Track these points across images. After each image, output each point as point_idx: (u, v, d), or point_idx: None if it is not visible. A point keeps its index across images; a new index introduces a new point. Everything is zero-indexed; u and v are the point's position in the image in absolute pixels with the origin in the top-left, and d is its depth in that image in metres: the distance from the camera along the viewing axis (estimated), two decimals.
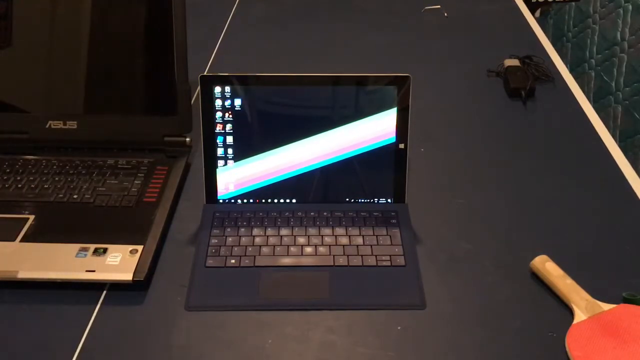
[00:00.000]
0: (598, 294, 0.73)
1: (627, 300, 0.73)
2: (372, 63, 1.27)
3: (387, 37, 1.37)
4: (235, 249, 0.81)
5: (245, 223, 0.84)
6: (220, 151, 0.86)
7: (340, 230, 0.83)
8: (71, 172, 0.92)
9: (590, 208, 0.89)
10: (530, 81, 1.14)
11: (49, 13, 0.94)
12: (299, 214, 0.85)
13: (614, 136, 1.62)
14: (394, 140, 0.85)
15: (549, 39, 1.39)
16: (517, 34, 1.38)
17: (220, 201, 0.87)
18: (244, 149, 0.86)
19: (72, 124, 0.96)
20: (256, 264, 0.79)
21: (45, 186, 0.89)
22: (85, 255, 0.78)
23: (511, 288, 0.77)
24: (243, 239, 0.82)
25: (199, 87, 0.84)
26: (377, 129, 0.85)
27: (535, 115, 1.11)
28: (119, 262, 0.77)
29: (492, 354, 0.69)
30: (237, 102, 0.84)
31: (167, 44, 0.93)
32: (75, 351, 0.69)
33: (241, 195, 0.87)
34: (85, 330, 0.72)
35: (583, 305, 0.72)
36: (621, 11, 1.66)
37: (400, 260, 0.79)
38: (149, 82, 0.96)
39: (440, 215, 0.88)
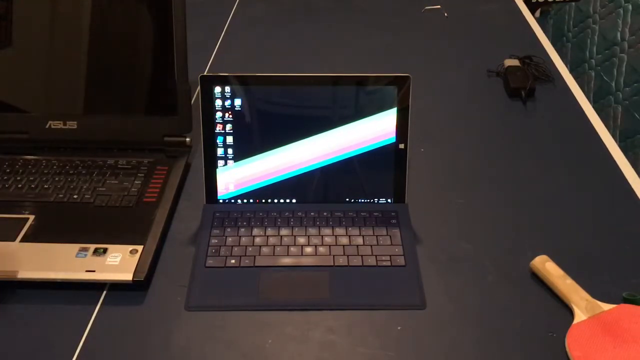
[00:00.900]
0: (598, 294, 0.73)
1: (627, 300, 0.73)
2: (372, 63, 1.27)
3: (387, 37, 1.37)
4: (235, 249, 0.81)
5: (245, 223, 0.84)
6: (220, 151, 0.86)
7: (340, 230, 0.83)
8: (71, 172, 0.92)
9: (590, 208, 0.89)
10: (530, 81, 1.14)
11: (49, 13, 0.94)
12: (299, 214, 0.85)
13: (614, 136, 1.62)
14: (394, 140, 0.85)
15: (549, 39, 1.39)
16: (517, 34, 1.38)
17: (220, 201, 0.87)
18: (244, 149, 0.86)
19: (72, 124, 0.96)
20: (256, 264, 0.79)
21: (45, 186, 0.89)
22: (85, 255, 0.78)
23: (511, 288, 0.77)
24: (243, 239, 0.82)
25: (199, 87, 0.84)
26: (377, 129, 0.85)
27: (535, 115, 1.11)
28: (119, 262, 0.77)
29: (492, 354, 0.69)
30: (237, 102, 0.84)
31: (167, 44, 0.93)
32: (75, 351, 0.69)
33: (241, 195, 0.87)
34: (85, 330, 0.72)
35: (583, 305, 0.72)
36: (621, 11, 1.66)
37: (400, 260, 0.79)
38: (149, 82, 0.96)
39: (440, 215, 0.88)
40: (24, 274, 0.76)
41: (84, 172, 0.92)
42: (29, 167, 0.92)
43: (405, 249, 0.81)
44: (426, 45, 1.34)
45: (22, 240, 0.80)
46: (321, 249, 0.81)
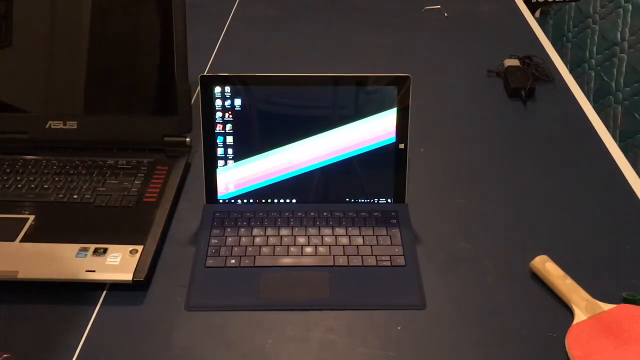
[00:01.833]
0: (598, 294, 0.73)
1: (627, 300, 0.73)
2: (372, 63, 1.27)
3: (387, 37, 1.37)
4: (235, 249, 0.81)
5: (245, 223, 0.84)
6: (220, 151, 0.86)
7: (340, 230, 0.83)
8: (71, 172, 0.92)
9: (590, 208, 0.89)
10: (530, 81, 1.14)
11: (49, 13, 0.94)
12: (299, 214, 0.85)
13: (614, 136, 1.62)
14: (394, 140, 0.85)
15: (549, 39, 1.39)
16: (517, 34, 1.38)
17: (220, 201, 0.87)
18: (244, 149, 0.86)
19: (72, 124, 0.96)
20: (256, 264, 0.79)
21: (45, 186, 0.89)
22: (85, 255, 0.78)
23: (511, 288, 0.77)
24: (243, 239, 0.82)
25: (199, 87, 0.84)
26: (377, 129, 0.85)
27: (535, 115, 1.11)
28: (119, 262, 0.77)
29: (492, 354, 0.69)
30: (237, 102, 0.84)
31: (167, 44, 0.93)
32: (75, 351, 0.69)
33: (241, 195, 0.87)
34: (85, 330, 0.72)
35: (583, 305, 0.72)
36: (621, 11, 1.66)
37: (400, 260, 0.79)
38: (149, 82, 0.96)
39: (440, 215, 0.88)
40: (24, 274, 0.76)
41: (84, 172, 0.92)
42: (29, 167, 0.92)
43: (405, 249, 0.81)
44: (426, 45, 1.34)
45: (22, 240, 0.80)
46: (321, 249, 0.81)
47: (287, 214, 0.85)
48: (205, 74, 0.86)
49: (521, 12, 1.48)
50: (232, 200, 0.87)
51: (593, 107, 1.14)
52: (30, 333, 0.71)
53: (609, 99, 1.70)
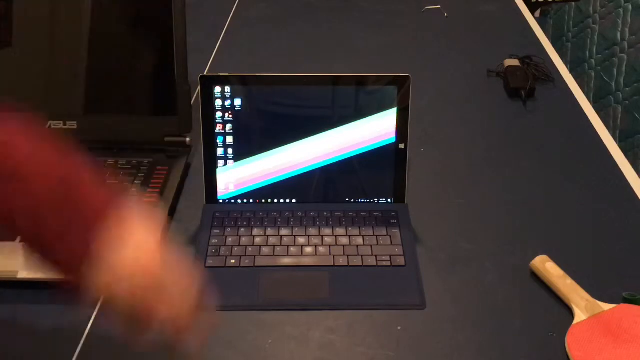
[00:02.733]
0: (598, 294, 0.73)
1: (627, 300, 0.73)
2: (372, 63, 1.27)
3: (387, 37, 1.36)
4: (235, 249, 0.81)
5: (245, 223, 0.84)
6: (220, 151, 0.86)
7: (340, 230, 0.83)
8: None
9: (590, 208, 0.89)
10: (530, 81, 1.14)
11: (49, 13, 0.94)
12: (299, 214, 0.85)
13: (614, 136, 1.61)
14: (394, 140, 0.85)
15: (549, 39, 1.39)
16: (517, 34, 1.38)
17: (220, 201, 0.87)
18: (244, 149, 0.86)
19: (72, 124, 0.96)
20: (256, 264, 0.79)
21: None
22: None
23: (511, 288, 0.77)
24: (243, 239, 0.82)
25: (199, 87, 0.84)
26: (377, 129, 0.85)
27: (535, 115, 1.11)
28: None
29: (492, 354, 0.69)
30: (237, 102, 0.84)
31: (167, 44, 0.93)
32: (75, 351, 0.69)
33: (241, 195, 0.87)
34: (85, 330, 0.72)
35: (583, 305, 0.72)
36: (621, 11, 1.66)
37: (400, 260, 0.79)
38: (149, 82, 0.96)
39: (440, 215, 0.88)
40: (24, 274, 0.76)
41: None
42: None
43: (405, 249, 0.81)
44: (426, 45, 1.34)
45: (22, 240, 0.80)
46: (321, 249, 0.81)
47: (287, 213, 0.85)
48: (205, 74, 0.86)
49: (521, 12, 1.48)
50: (232, 200, 0.87)
51: (593, 107, 1.14)
52: (30, 333, 0.71)
53: (609, 99, 1.70)
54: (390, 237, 0.82)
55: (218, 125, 0.85)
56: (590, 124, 1.08)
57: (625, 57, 1.64)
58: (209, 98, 0.84)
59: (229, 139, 0.86)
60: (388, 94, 0.84)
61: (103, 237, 0.50)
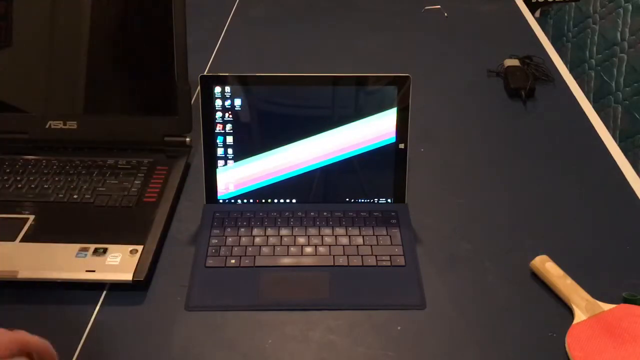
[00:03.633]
0: (598, 294, 0.73)
1: (627, 300, 0.73)
2: (372, 63, 1.27)
3: (387, 37, 1.37)
4: (235, 249, 0.81)
5: (245, 223, 0.84)
6: (220, 151, 0.86)
7: (340, 230, 0.83)
8: (71, 172, 0.92)
9: (590, 208, 0.89)
10: (530, 81, 1.14)
11: (49, 13, 0.94)
12: (299, 214, 0.85)
13: (614, 136, 1.62)
14: (394, 140, 0.85)
15: (549, 39, 1.39)
16: (517, 34, 1.38)
17: (220, 201, 0.87)
18: (244, 149, 0.86)
19: (72, 124, 0.96)
20: (256, 264, 0.79)
21: (45, 186, 0.89)
22: (85, 255, 0.78)
23: (511, 288, 0.77)
24: (243, 239, 0.82)
25: (199, 87, 0.84)
26: (377, 129, 0.85)
27: (535, 115, 1.11)
28: (119, 262, 0.77)
29: (492, 353, 0.69)
30: (237, 102, 0.84)
31: (167, 44, 0.93)
32: (75, 351, 0.69)
33: (241, 195, 0.87)
34: (85, 330, 0.72)
35: (583, 305, 0.72)
36: (621, 11, 1.66)
37: (400, 260, 0.79)
38: (149, 82, 0.96)
39: (440, 215, 0.88)
40: (24, 274, 0.76)
41: (84, 172, 0.92)
42: (29, 167, 0.92)
43: (405, 249, 0.81)
44: (426, 46, 1.34)
45: (22, 240, 0.80)
46: (321, 249, 0.81)
47: (287, 214, 0.85)
48: (205, 74, 0.86)
49: (521, 12, 1.48)
50: (232, 200, 0.87)
51: (593, 107, 1.14)
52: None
53: (609, 99, 1.70)
54: (390, 237, 0.82)
55: (218, 125, 0.85)
56: (590, 124, 1.08)
57: (625, 57, 1.64)
58: (209, 98, 0.84)
59: (229, 139, 0.86)
60: (388, 94, 0.84)
61: None
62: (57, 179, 0.90)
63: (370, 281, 0.77)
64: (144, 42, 0.95)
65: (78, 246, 0.79)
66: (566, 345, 0.69)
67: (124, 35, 0.95)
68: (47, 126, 0.96)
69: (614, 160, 0.99)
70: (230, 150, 0.86)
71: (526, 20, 1.44)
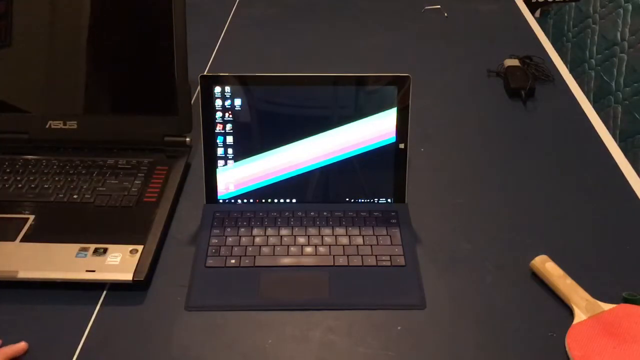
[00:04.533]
0: (598, 294, 0.73)
1: (627, 300, 0.73)
2: (372, 63, 1.27)
3: (387, 37, 1.37)
4: (235, 249, 0.81)
5: (245, 223, 0.84)
6: (220, 151, 0.86)
7: (340, 230, 0.83)
8: (71, 172, 0.92)
9: (590, 208, 0.89)
10: (530, 81, 1.14)
11: (49, 13, 0.94)
12: (299, 213, 0.85)
13: (614, 136, 1.61)
14: (394, 140, 0.85)
15: (549, 39, 1.39)
16: (517, 34, 1.38)
17: (221, 201, 0.87)
18: (244, 149, 0.86)
19: (72, 124, 0.96)
20: (256, 264, 0.79)
21: (45, 186, 0.89)
22: (85, 255, 0.78)
23: (511, 288, 0.77)
24: (243, 239, 0.82)
25: (199, 87, 0.84)
26: (377, 128, 0.85)
27: (535, 115, 1.11)
28: (119, 262, 0.77)
29: (492, 353, 0.69)
30: (237, 102, 0.84)
31: (167, 44, 0.93)
32: (75, 351, 0.69)
33: (241, 195, 0.87)
34: (85, 330, 0.72)
35: (583, 305, 0.72)
36: (621, 11, 1.66)
37: (400, 260, 0.79)
38: (149, 82, 0.96)
39: (440, 215, 0.88)
40: (24, 274, 0.76)
41: (84, 172, 0.92)
42: (29, 167, 0.92)
43: (405, 249, 0.81)
44: (426, 45, 1.34)
45: (22, 240, 0.80)
46: (321, 249, 0.81)
47: (287, 213, 0.85)
48: (205, 74, 0.86)
49: (521, 12, 1.48)
50: (232, 200, 0.87)
51: (593, 107, 1.14)
52: (30, 333, 0.71)
53: (609, 99, 1.70)
54: (390, 237, 0.82)
55: (218, 125, 0.85)
56: (590, 124, 1.08)
57: (625, 57, 1.64)
58: (209, 98, 0.84)
59: (229, 139, 0.86)
60: (388, 94, 0.84)
61: None
62: (57, 179, 0.90)
63: (370, 281, 0.77)
64: (144, 42, 0.95)
65: (78, 246, 0.79)
66: (566, 345, 0.69)
67: (124, 35, 0.95)
68: (47, 126, 0.96)
69: (614, 160, 0.99)
70: (230, 150, 0.86)
71: (526, 20, 1.44)
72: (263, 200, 0.87)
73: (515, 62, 1.20)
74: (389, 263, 0.79)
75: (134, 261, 0.77)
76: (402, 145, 0.86)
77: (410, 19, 1.44)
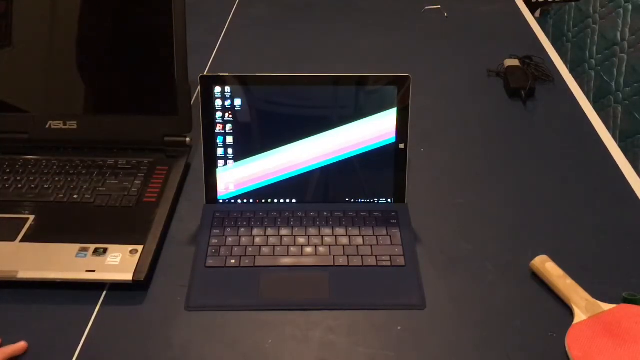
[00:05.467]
0: (598, 294, 0.73)
1: (627, 300, 0.73)
2: (372, 63, 1.27)
3: (387, 37, 1.37)
4: (235, 249, 0.81)
5: (245, 223, 0.84)
6: (220, 151, 0.86)
7: (340, 230, 0.83)
8: (71, 172, 0.92)
9: (590, 208, 0.89)
10: (530, 81, 1.14)
11: (49, 13, 0.94)
12: (299, 214, 0.85)
13: (614, 136, 1.62)
14: (394, 140, 0.85)
15: (549, 39, 1.39)
16: (517, 34, 1.38)
17: (220, 201, 0.87)
18: (244, 149, 0.86)
19: (72, 124, 0.96)
20: (256, 264, 0.79)
21: (45, 186, 0.89)
22: (85, 255, 0.78)
23: (511, 288, 0.77)
24: (243, 239, 0.82)
25: (199, 87, 0.84)
26: (377, 129, 0.85)
27: (535, 115, 1.11)
28: (119, 262, 0.77)
29: (492, 354, 0.69)
30: (237, 102, 0.84)
31: (167, 44, 0.93)
32: (75, 351, 0.69)
33: (241, 195, 0.87)
34: (85, 330, 0.72)
35: (583, 305, 0.72)
36: (621, 11, 1.66)
37: (400, 260, 0.79)
38: (149, 82, 0.96)
39: (440, 215, 0.88)
40: (24, 274, 0.76)
41: (84, 172, 0.92)
42: (29, 167, 0.92)
43: (405, 249, 0.81)
44: (426, 45, 1.34)
45: (22, 240, 0.80)
46: (321, 249, 0.81)
47: (287, 214, 0.85)
48: (205, 74, 0.86)
49: (521, 12, 1.48)
50: (232, 200, 0.87)
51: (593, 107, 1.14)
52: (30, 333, 0.71)
53: (609, 99, 1.70)
54: (390, 237, 0.82)
55: (218, 125, 0.85)
56: (590, 124, 1.08)
57: (625, 57, 1.64)
58: (209, 98, 0.84)
59: (229, 139, 0.86)
60: (388, 94, 0.84)
61: None
62: (57, 179, 0.90)
63: (370, 281, 0.77)
64: (144, 42, 0.95)
65: (78, 246, 0.79)
66: (566, 345, 0.69)
67: (124, 35, 0.95)
68: (47, 126, 0.96)
69: (614, 160, 0.99)
70: (230, 150, 0.86)
71: (526, 20, 1.44)
72: (263, 201, 0.87)
73: (515, 62, 1.20)
74: (389, 263, 0.79)
75: (134, 261, 0.77)
76: (402, 146, 0.86)
77: (410, 19, 1.44)
